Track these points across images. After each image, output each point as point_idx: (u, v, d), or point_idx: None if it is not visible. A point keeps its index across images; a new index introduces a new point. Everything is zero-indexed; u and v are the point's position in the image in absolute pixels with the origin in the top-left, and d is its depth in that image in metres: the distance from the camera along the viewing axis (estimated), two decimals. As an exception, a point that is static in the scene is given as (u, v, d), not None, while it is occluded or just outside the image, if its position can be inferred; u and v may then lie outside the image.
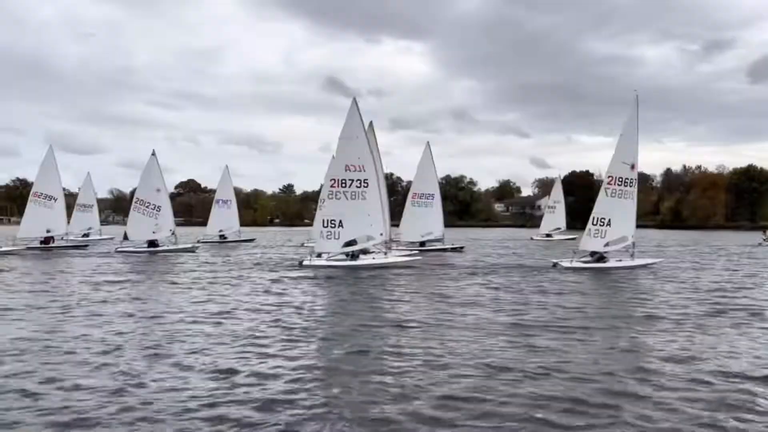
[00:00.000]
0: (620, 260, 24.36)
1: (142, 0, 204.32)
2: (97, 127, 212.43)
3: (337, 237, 23.42)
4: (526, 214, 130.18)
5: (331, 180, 24.01)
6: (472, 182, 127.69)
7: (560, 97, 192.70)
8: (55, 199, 35.75)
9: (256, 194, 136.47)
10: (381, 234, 24.22)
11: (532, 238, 53.30)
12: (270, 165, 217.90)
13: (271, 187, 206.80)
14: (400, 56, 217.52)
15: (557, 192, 54.65)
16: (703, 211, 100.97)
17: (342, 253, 24.12)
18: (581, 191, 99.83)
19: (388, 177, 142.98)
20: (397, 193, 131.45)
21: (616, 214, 23.60)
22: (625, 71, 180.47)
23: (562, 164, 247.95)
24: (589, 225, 23.84)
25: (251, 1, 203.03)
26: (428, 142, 37.19)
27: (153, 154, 35.13)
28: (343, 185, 23.50)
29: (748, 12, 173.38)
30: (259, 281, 19.52)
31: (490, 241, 52.44)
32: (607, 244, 23.69)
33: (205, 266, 25.52)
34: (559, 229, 53.80)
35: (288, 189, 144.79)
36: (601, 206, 23.92)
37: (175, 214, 38.98)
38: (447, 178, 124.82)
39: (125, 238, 34.53)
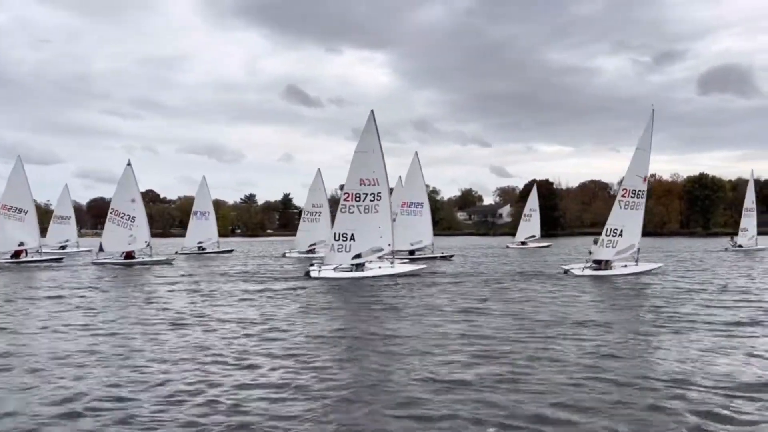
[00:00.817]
0: (626, 266, 24.94)
1: (100, 7, 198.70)
2: (53, 136, 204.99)
3: (348, 250, 23.37)
4: (488, 222, 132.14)
5: (345, 194, 23.93)
6: (435, 191, 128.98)
7: (520, 107, 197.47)
8: (26, 212, 34.41)
9: (217, 204, 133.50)
10: (389, 245, 24.18)
11: (508, 246, 53.87)
12: (231, 174, 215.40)
13: (232, 197, 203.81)
14: (361, 66, 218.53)
15: (533, 200, 55.59)
16: (658, 217, 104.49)
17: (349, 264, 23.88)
18: (542, 200, 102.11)
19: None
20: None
21: (628, 224, 24.37)
22: (583, 81, 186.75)
23: (522, 173, 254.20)
24: (603, 236, 24.55)
25: (212, 11, 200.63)
26: (416, 152, 37.14)
27: (128, 164, 34.16)
28: (357, 199, 23.47)
29: (698, 25, 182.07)
30: (267, 295, 18.85)
31: (467, 248, 52.59)
32: (617, 253, 24.19)
33: (201, 278, 24.55)
34: (533, 236, 54.73)
35: (250, 199, 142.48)
36: (615, 219, 24.60)
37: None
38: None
39: (100, 249, 33.54)
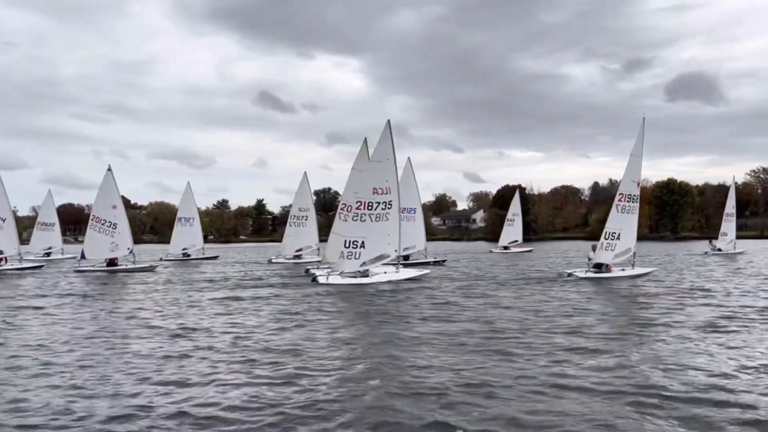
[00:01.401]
0: (623, 269, 25.46)
1: (68, 11, 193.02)
2: (19, 140, 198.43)
3: (357, 257, 23.60)
4: (462, 228, 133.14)
5: (357, 202, 24.05)
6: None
7: (493, 113, 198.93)
8: (3, 220, 33.38)
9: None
10: (395, 251, 24.42)
11: (491, 251, 54.41)
12: (203, 180, 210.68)
13: (204, 203, 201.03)
14: (335, 71, 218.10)
15: (515, 205, 56.28)
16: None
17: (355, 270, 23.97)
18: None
19: (326, 192, 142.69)
20: (336, 209, 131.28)
21: (625, 228, 25.03)
22: (553, 88, 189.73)
23: (494, 178, 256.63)
24: (602, 239, 25.24)
25: (182, 15, 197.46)
26: (409, 158, 37.29)
27: (109, 169, 33.36)
28: (370, 208, 23.71)
29: (665, 33, 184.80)
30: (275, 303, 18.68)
31: (451, 253, 52.79)
32: (615, 256, 24.76)
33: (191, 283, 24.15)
34: (516, 241, 55.40)
35: (222, 204, 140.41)
36: (613, 222, 25.48)
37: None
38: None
39: (82, 257, 32.88)
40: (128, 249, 33.07)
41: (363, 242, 23.35)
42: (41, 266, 36.91)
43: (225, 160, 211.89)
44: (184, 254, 45.21)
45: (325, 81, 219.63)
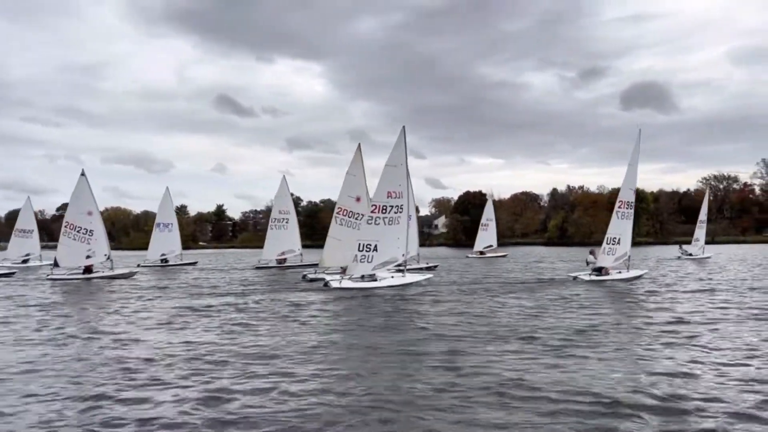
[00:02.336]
0: (620, 272, 26.51)
1: (20, 12, 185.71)
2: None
3: (370, 260, 23.68)
4: (424, 233, 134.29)
5: (372, 206, 24.19)
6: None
7: (454, 120, 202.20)
8: None
9: (147, 216, 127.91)
10: (403, 255, 24.65)
11: (467, 256, 55.20)
12: (160, 185, 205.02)
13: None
14: (296, 76, 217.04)
15: (489, 210, 57.28)
16: (586, 228, 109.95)
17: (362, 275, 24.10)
18: (475, 210, 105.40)
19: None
20: (298, 214, 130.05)
21: (624, 233, 26.19)
22: (513, 96, 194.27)
23: (456, 184, 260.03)
24: (604, 244, 26.35)
25: (139, 17, 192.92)
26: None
27: (83, 174, 32.10)
28: (384, 211, 23.85)
29: (619, 43, 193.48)
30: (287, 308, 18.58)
31: (424, 259, 53.15)
32: (615, 260, 25.79)
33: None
34: (491, 246, 56.37)
35: (181, 210, 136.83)
36: (614, 228, 26.42)
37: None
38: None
39: (55, 264, 31.67)
40: (105, 255, 32.06)
41: (376, 245, 23.49)
42: (13, 273, 35.81)
43: (184, 165, 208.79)
44: (162, 260, 44.27)
45: (286, 85, 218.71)
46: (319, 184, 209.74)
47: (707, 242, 53.05)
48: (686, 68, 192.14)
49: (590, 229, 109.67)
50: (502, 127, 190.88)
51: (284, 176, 41.46)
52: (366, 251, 23.47)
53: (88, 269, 32.01)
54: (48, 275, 31.99)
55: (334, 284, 23.07)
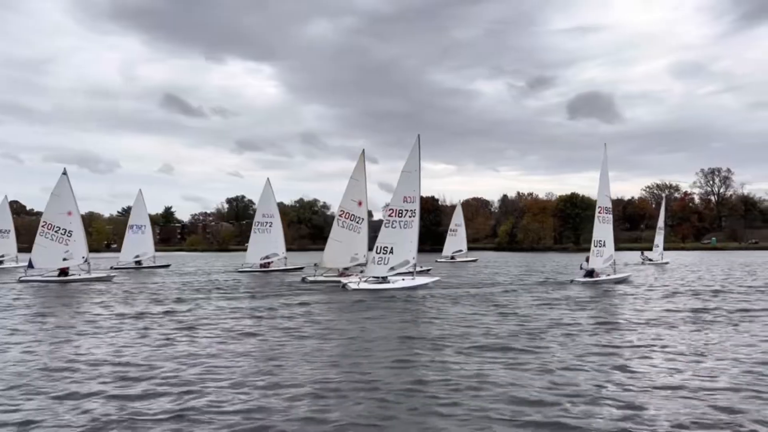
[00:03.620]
0: (609, 275, 28.26)
1: None
2: None
3: (386, 263, 24.72)
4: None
5: (389, 209, 25.32)
6: (325, 206, 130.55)
7: (406, 126, 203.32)
8: None
9: (90, 217, 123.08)
10: (413, 258, 25.51)
11: (437, 261, 56.42)
12: (105, 185, 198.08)
13: (107, 210, 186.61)
14: (247, 77, 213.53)
15: (458, 216, 58.62)
16: (535, 234, 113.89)
17: (375, 277, 25.14)
18: (428, 216, 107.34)
19: (239, 200, 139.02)
20: (249, 216, 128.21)
21: (607, 236, 28.01)
22: (464, 103, 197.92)
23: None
24: (592, 248, 28.00)
25: (84, 13, 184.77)
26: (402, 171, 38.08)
27: (64, 172, 31.39)
28: (400, 215, 25.03)
29: (566, 54, 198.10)
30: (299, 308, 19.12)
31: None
32: (604, 261, 27.52)
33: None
34: (461, 251, 57.87)
35: (127, 212, 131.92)
36: (598, 232, 28.13)
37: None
38: (300, 201, 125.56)
39: (30, 266, 30.76)
40: (83, 258, 31.03)
41: (392, 248, 24.57)
42: None
43: (130, 166, 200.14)
44: (136, 262, 43.61)
45: (237, 86, 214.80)
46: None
47: (647, 249, 56.50)
48: (628, 80, 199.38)
49: (539, 235, 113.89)
50: (454, 134, 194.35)
51: (268, 179, 41.19)
52: (383, 254, 24.56)
53: (63, 272, 30.97)
54: (20, 277, 30.86)
55: (352, 286, 23.77)
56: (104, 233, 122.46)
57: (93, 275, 31.68)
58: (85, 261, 31.15)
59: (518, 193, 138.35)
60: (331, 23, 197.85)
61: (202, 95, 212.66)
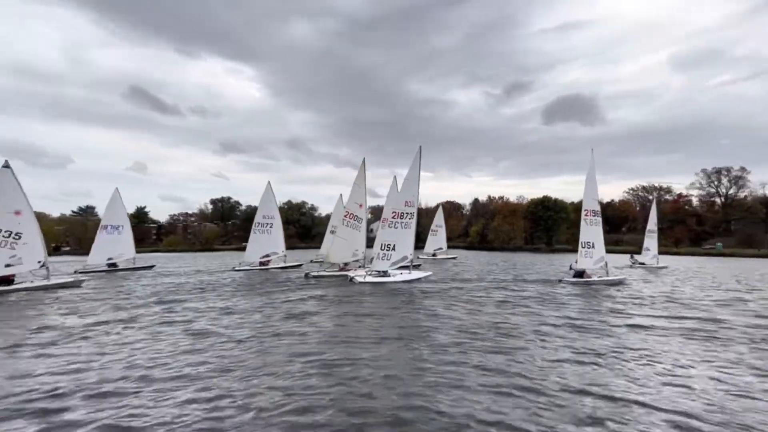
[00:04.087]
0: (601, 276, 29.95)
1: None
2: None
3: (389, 258, 27.94)
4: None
5: (392, 212, 28.75)
6: (313, 208, 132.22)
7: (385, 134, 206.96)
8: None
9: (38, 217, 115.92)
10: (410, 254, 28.80)
11: (419, 257, 58.40)
12: (54, 182, 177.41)
13: (57, 209, 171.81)
14: (228, 77, 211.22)
15: (439, 217, 61.90)
16: (505, 234, 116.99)
17: (377, 272, 28.45)
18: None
19: (225, 201, 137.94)
20: (236, 217, 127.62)
21: (596, 238, 29.54)
22: (441, 113, 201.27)
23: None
24: (580, 249, 29.53)
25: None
26: (395, 177, 39.89)
27: (6, 165, 26.96)
28: (401, 217, 28.52)
29: (546, 57, 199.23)
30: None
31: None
32: (595, 263, 29.23)
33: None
34: (441, 249, 60.69)
35: (86, 211, 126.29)
36: (585, 234, 29.70)
37: None
38: (288, 203, 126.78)
39: None
40: (39, 262, 27.46)
41: (394, 246, 28.00)
42: None
43: (87, 162, 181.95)
44: (108, 265, 40.83)
45: (217, 86, 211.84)
46: (254, 190, 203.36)
47: (635, 252, 57.81)
48: (613, 79, 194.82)
49: (509, 235, 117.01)
50: (430, 142, 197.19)
51: (269, 182, 42.31)
52: (386, 250, 28.02)
53: (6, 280, 27.08)
54: None
55: (359, 279, 27.08)
56: (52, 234, 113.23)
57: (53, 281, 28.60)
58: (42, 266, 27.69)
59: (489, 196, 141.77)
60: (311, 24, 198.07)
61: (177, 92, 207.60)
